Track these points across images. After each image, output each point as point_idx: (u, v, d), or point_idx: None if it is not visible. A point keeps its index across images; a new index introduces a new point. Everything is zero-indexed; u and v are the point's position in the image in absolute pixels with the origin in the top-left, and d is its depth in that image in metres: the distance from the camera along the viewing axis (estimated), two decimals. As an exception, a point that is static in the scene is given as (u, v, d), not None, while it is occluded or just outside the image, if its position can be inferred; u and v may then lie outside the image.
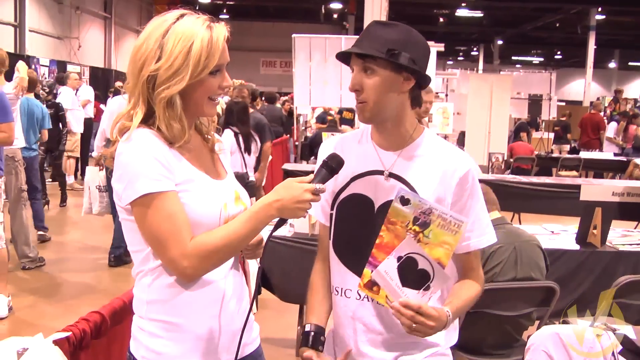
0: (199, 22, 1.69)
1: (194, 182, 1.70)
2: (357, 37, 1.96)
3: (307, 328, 1.95)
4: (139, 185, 1.62)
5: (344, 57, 1.92)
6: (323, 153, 1.95)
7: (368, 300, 1.93)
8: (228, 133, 6.22)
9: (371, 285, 1.79)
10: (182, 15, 1.70)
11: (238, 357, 1.79)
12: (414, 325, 1.73)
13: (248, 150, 6.37)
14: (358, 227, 1.93)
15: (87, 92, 12.13)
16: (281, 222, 1.73)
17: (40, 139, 7.61)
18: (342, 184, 1.96)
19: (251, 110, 7.03)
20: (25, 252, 6.34)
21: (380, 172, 1.92)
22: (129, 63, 1.73)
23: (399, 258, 1.75)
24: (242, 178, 6.17)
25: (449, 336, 1.99)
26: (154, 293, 1.72)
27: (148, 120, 1.70)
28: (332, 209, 1.99)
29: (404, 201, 1.77)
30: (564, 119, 16.04)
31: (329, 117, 12.49)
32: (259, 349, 1.94)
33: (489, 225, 1.97)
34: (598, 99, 22.12)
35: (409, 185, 1.88)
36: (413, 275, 1.75)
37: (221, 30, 1.71)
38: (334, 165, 1.79)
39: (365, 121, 1.92)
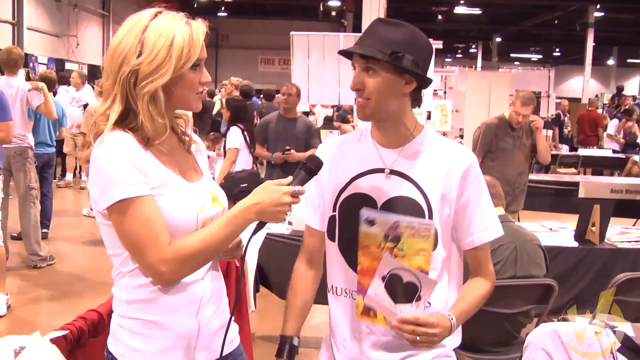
0: (177, 18, 1.70)
1: (170, 186, 1.69)
2: (356, 34, 1.95)
3: (294, 341, 1.98)
4: (115, 190, 1.61)
5: (347, 53, 1.91)
6: (321, 154, 1.95)
7: None
8: (236, 130, 6.22)
9: (367, 311, 1.82)
10: (158, 13, 1.71)
11: (219, 356, 1.81)
12: (417, 338, 1.74)
13: (254, 147, 6.37)
14: None
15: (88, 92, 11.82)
16: (260, 226, 1.72)
17: (57, 136, 7.86)
18: (342, 184, 1.95)
19: (299, 112, 6.60)
20: (36, 250, 6.39)
21: (382, 170, 1.91)
22: (106, 61, 1.71)
23: (383, 278, 1.76)
24: (257, 176, 6.15)
25: (453, 337, 1.98)
26: (133, 293, 1.72)
27: (124, 120, 1.69)
28: (334, 210, 1.98)
29: (370, 222, 1.80)
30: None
31: (349, 116, 12.49)
32: (239, 347, 1.95)
33: (494, 219, 1.95)
34: (597, 96, 22.12)
35: (413, 181, 1.88)
36: (401, 290, 1.77)
37: (200, 26, 1.72)
38: (312, 167, 1.78)
39: (365, 119, 1.91)
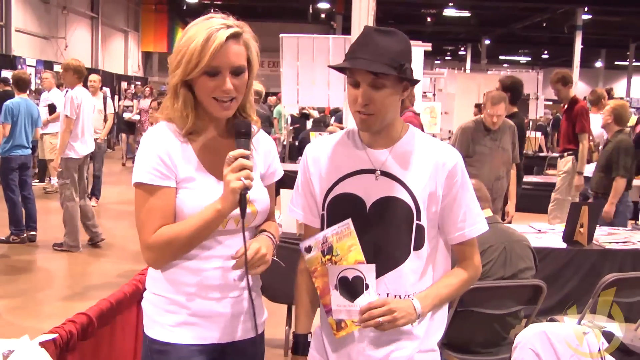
0: (211, 23, 1.80)
1: (195, 182, 1.85)
2: (345, 37, 1.97)
3: (302, 339, 2.06)
4: (136, 173, 1.84)
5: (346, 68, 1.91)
6: (311, 153, 2.03)
7: None
8: None
9: (341, 326, 1.92)
10: (210, 17, 1.84)
11: (236, 339, 1.96)
12: (380, 320, 1.82)
13: None
14: None
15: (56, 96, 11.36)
16: (241, 203, 1.78)
17: (33, 137, 7.84)
18: (330, 184, 1.98)
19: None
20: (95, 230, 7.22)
21: (371, 171, 1.94)
22: None
23: (335, 287, 1.90)
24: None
25: (433, 330, 2.02)
26: (158, 270, 1.91)
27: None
28: (323, 209, 2.01)
29: (308, 250, 1.95)
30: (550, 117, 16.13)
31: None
32: (258, 337, 2.05)
33: (480, 215, 2.01)
34: (585, 98, 22.25)
35: (402, 183, 1.91)
36: (353, 288, 1.88)
37: (222, 35, 1.78)
38: (243, 129, 1.86)
39: (370, 132, 1.94)
